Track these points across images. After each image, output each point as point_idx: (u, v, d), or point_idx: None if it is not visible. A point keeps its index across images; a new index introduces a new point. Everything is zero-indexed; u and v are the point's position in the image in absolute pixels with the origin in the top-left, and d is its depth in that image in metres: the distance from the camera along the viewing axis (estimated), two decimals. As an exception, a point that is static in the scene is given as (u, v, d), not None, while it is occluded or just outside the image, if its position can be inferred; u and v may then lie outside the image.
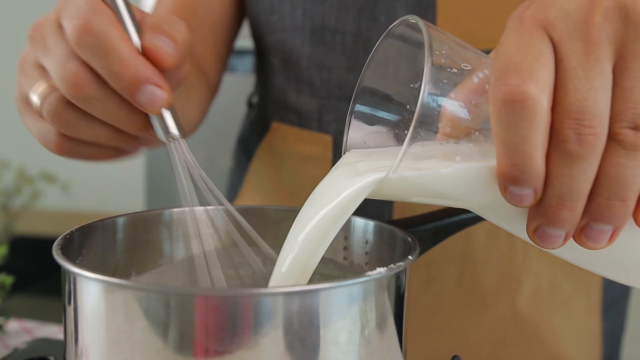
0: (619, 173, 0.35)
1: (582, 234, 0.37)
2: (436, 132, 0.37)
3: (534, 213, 0.37)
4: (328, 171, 0.69)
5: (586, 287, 0.71)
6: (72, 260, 0.45)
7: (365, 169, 0.43)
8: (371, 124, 0.46)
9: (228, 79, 0.79)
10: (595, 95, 0.34)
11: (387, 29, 0.43)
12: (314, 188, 0.73)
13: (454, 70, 0.38)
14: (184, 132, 0.46)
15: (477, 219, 0.56)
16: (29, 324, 0.76)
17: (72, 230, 0.46)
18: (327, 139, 0.70)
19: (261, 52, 0.77)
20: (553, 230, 0.37)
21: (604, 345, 0.73)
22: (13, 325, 0.76)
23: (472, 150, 0.38)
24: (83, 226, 0.47)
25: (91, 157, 0.49)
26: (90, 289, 0.38)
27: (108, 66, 0.43)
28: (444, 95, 0.37)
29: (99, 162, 0.50)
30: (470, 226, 0.56)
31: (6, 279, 0.74)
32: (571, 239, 0.38)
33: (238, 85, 1.87)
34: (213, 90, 0.74)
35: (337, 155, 0.70)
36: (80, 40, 0.43)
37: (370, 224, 0.51)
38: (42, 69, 0.47)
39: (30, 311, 2.37)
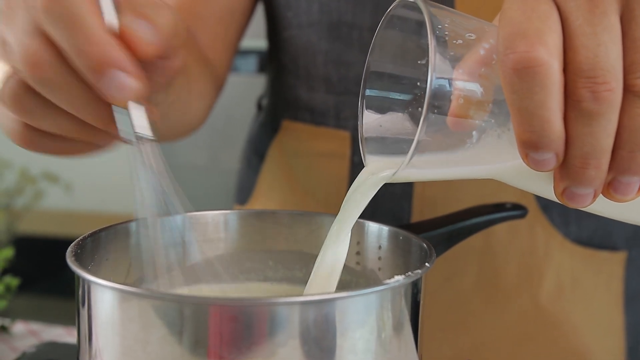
0: (639, 124, 0.35)
1: (611, 189, 0.37)
2: (449, 112, 0.37)
3: (560, 175, 0.37)
4: (345, 167, 0.70)
5: (607, 279, 0.71)
6: (85, 266, 0.44)
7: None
8: (385, 108, 0.45)
9: (232, 80, 0.79)
10: (605, 50, 0.34)
11: (387, 12, 0.42)
12: (330, 184, 0.72)
13: (459, 41, 0.37)
14: (156, 133, 0.41)
15: (492, 221, 0.56)
16: (35, 326, 0.76)
17: (85, 236, 0.45)
18: (345, 135, 0.70)
19: (273, 50, 0.76)
20: (581, 189, 0.37)
21: (628, 339, 0.73)
22: (19, 327, 0.75)
23: (487, 123, 0.38)
24: (95, 231, 0.46)
25: (60, 151, 0.45)
26: (105, 297, 0.38)
27: (72, 41, 0.37)
28: (452, 73, 0.37)
29: (70, 157, 0.45)
30: (485, 229, 0.56)
31: (12, 281, 0.74)
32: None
33: (242, 86, 1.87)
34: (219, 84, 0.73)
35: (355, 151, 0.69)
36: (46, 8, 0.37)
37: (385, 229, 0.51)
38: (5, 47, 0.42)
39: (35, 312, 2.37)
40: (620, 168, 0.36)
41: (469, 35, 0.38)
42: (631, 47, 0.34)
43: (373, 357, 0.38)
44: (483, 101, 0.37)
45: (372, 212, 0.69)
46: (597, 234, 0.70)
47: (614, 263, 0.71)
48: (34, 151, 0.45)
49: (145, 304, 0.37)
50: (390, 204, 0.68)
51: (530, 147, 0.35)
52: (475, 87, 0.37)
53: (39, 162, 2.68)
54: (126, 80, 0.38)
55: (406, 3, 0.41)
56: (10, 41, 0.40)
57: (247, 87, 1.83)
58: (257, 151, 0.80)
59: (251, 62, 2.09)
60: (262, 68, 2.08)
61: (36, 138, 0.44)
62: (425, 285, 0.66)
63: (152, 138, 0.40)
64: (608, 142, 0.35)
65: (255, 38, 0.86)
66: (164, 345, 0.36)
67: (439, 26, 0.37)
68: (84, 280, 0.39)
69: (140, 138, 0.40)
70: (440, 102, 0.36)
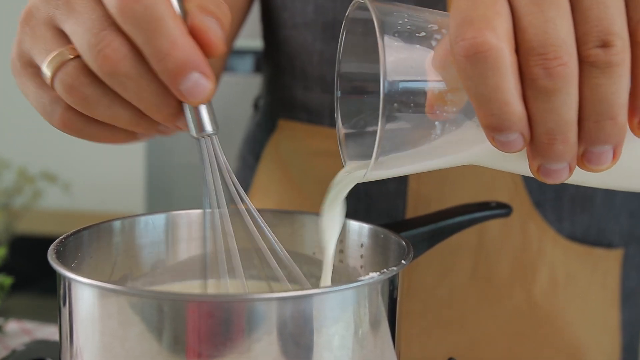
0: (600, 94, 0.35)
1: (584, 160, 0.37)
2: (411, 108, 0.37)
3: (532, 153, 0.37)
4: (341, 166, 0.70)
5: (603, 277, 0.71)
6: (68, 264, 0.45)
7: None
8: (361, 109, 0.46)
9: (228, 79, 0.79)
10: (553, 26, 0.34)
11: (345, 16, 0.43)
12: (325, 183, 0.73)
13: (422, 34, 0.38)
14: (218, 128, 0.42)
15: (475, 220, 0.57)
16: (29, 325, 0.76)
17: (68, 234, 0.46)
18: None
19: (269, 51, 0.77)
20: (554, 165, 0.37)
21: (623, 337, 0.73)
22: (12, 326, 0.76)
23: (450, 113, 0.38)
24: (79, 230, 0.47)
25: (99, 138, 0.44)
26: (85, 294, 0.38)
27: (155, 43, 0.37)
28: (410, 70, 0.37)
29: (105, 143, 0.45)
30: (467, 228, 0.56)
31: (5, 280, 0.75)
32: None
33: (238, 86, 1.88)
34: (216, 78, 0.74)
35: None
36: (126, 7, 0.37)
37: (365, 227, 0.51)
38: (59, 32, 0.41)
39: (30, 311, 2.37)
40: (589, 139, 0.36)
41: (431, 27, 0.38)
42: (581, 18, 0.35)
43: (349, 353, 0.39)
44: (443, 92, 0.38)
45: (367, 210, 0.70)
46: (591, 231, 0.70)
47: (609, 260, 0.71)
48: (73, 135, 0.44)
49: (123, 300, 0.37)
50: (385, 202, 0.69)
51: (493, 130, 0.36)
52: (434, 81, 0.38)
53: (37, 161, 2.69)
54: (205, 83, 0.38)
55: (361, 5, 0.41)
56: (73, 30, 0.40)
57: (243, 87, 1.84)
58: (253, 151, 0.81)
59: (248, 62, 2.09)
60: (258, 68, 2.08)
61: (80, 124, 0.43)
62: (420, 282, 0.67)
63: (215, 133, 0.42)
64: (570, 115, 0.35)
65: (252, 38, 0.86)
66: (142, 342, 0.37)
67: (399, 22, 0.37)
68: (64, 277, 0.40)
69: (208, 135, 0.42)
70: (400, 99, 0.37)
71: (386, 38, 0.37)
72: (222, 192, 0.44)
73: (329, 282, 0.47)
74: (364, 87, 0.46)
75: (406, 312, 0.67)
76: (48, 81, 0.41)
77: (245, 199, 0.45)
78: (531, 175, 0.39)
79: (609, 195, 0.70)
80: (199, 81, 0.38)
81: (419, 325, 0.69)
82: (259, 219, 0.46)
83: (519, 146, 0.36)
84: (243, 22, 0.76)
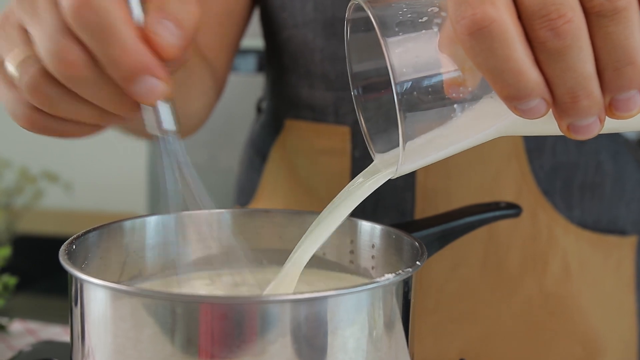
0: (613, 41, 0.35)
1: (612, 109, 0.37)
2: (429, 95, 0.37)
3: (558, 114, 0.37)
4: (346, 163, 0.71)
5: (617, 264, 0.71)
6: (78, 265, 0.44)
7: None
8: (380, 101, 0.46)
9: (230, 79, 0.79)
10: None
11: (345, 18, 0.43)
12: (332, 181, 0.72)
13: (424, 19, 0.38)
14: (180, 127, 0.42)
15: (486, 220, 0.56)
16: (33, 325, 0.76)
17: (78, 235, 0.46)
18: (345, 130, 0.71)
19: (271, 52, 0.77)
20: (583, 121, 0.37)
21: None
22: (17, 326, 0.76)
23: (468, 93, 0.38)
24: (89, 230, 0.47)
25: (65, 133, 0.45)
26: (97, 295, 0.38)
27: (106, 50, 0.38)
28: (417, 61, 0.37)
29: (71, 138, 0.46)
30: (478, 228, 0.56)
31: (10, 280, 0.74)
32: None
33: (241, 85, 1.87)
34: (219, 83, 0.74)
35: (355, 145, 0.70)
36: (78, 15, 0.38)
37: (377, 227, 0.51)
38: (26, 34, 0.42)
39: (33, 311, 2.37)
40: (613, 88, 0.36)
41: (432, 10, 0.38)
42: None
43: (364, 355, 0.39)
44: (456, 77, 0.38)
45: (374, 206, 0.70)
46: (602, 218, 0.70)
47: (623, 248, 0.71)
48: (37, 133, 0.45)
49: (136, 302, 0.37)
50: (393, 196, 0.69)
51: (513, 99, 0.35)
52: (448, 61, 0.37)
53: (38, 161, 2.69)
54: (156, 84, 0.39)
55: (358, 6, 0.41)
56: (35, 34, 0.40)
57: (246, 87, 1.83)
58: (259, 152, 0.81)
59: (250, 62, 2.09)
60: (261, 68, 2.08)
61: (45, 122, 0.44)
62: (431, 278, 0.67)
63: (176, 133, 0.42)
64: (588, 68, 0.35)
65: (254, 38, 0.86)
66: (155, 343, 0.37)
67: (399, 13, 0.37)
68: (76, 278, 0.39)
69: (165, 133, 0.41)
70: (415, 92, 0.37)
71: (389, 38, 0.37)
72: (182, 196, 0.44)
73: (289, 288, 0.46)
74: (378, 82, 0.45)
75: (418, 309, 0.67)
76: (15, 82, 0.42)
77: (207, 201, 0.45)
78: (562, 134, 0.39)
79: (619, 182, 0.71)
80: (151, 83, 0.39)
81: (431, 321, 0.69)
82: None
83: (542, 111, 0.36)
84: (246, 24, 0.76)
